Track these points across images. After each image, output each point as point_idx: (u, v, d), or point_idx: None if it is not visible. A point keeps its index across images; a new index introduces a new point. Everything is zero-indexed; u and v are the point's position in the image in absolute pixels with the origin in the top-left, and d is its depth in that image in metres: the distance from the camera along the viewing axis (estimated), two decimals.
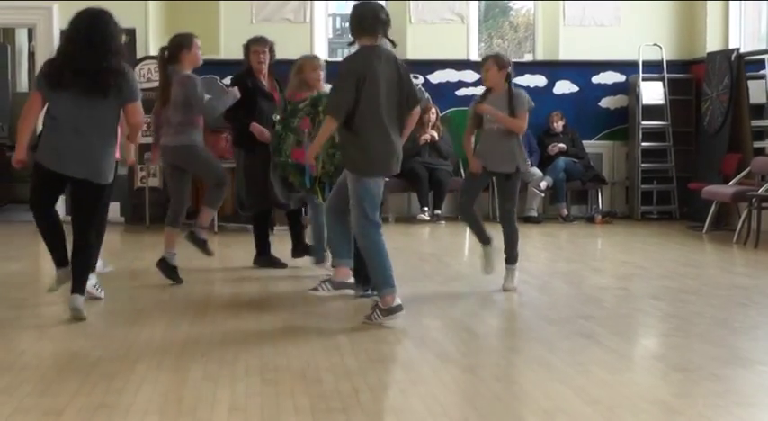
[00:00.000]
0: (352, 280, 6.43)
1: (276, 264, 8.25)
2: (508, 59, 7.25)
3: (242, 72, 8.34)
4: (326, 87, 7.56)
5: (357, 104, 5.89)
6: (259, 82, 8.21)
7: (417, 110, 6.22)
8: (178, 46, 7.53)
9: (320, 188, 7.30)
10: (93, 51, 6.01)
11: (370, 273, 6.21)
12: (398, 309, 6.02)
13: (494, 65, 7.16)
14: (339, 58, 15.23)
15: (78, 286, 6.12)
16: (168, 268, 7.50)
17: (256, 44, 8.26)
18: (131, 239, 10.59)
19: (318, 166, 7.15)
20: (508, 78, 7.17)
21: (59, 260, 6.28)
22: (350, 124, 5.96)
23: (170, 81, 7.46)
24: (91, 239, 6.23)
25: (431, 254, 9.56)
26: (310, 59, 7.85)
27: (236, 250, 9.27)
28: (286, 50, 9.04)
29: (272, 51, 8.31)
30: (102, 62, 6.01)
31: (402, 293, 7.20)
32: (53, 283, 6.39)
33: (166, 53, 7.57)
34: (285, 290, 7.20)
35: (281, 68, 8.31)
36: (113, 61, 6.06)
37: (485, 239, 7.37)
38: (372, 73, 5.90)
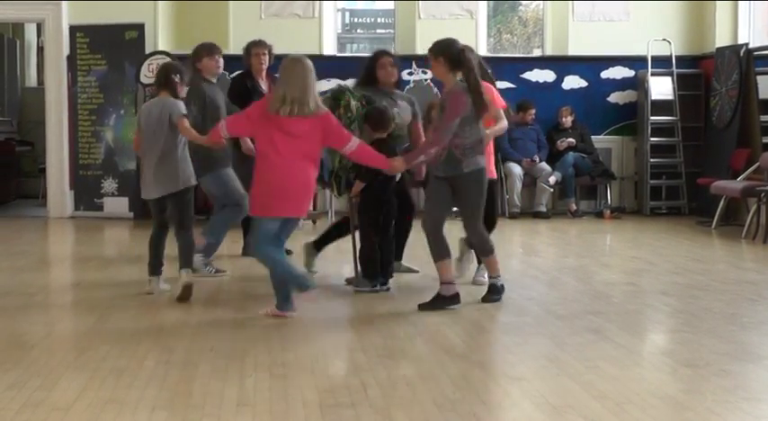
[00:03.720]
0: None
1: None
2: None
3: (242, 73, 8.64)
4: None
5: None
6: (257, 83, 8.43)
7: None
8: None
9: (336, 182, 7.28)
10: None
11: None
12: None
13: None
14: (347, 54, 15.28)
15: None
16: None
17: (257, 47, 8.50)
18: (139, 234, 10.59)
19: (335, 160, 7.12)
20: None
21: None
22: None
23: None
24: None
25: None
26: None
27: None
28: (295, 46, 9.07)
29: (270, 53, 8.51)
30: None
31: (411, 288, 7.20)
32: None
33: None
34: None
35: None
36: None
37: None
38: None
